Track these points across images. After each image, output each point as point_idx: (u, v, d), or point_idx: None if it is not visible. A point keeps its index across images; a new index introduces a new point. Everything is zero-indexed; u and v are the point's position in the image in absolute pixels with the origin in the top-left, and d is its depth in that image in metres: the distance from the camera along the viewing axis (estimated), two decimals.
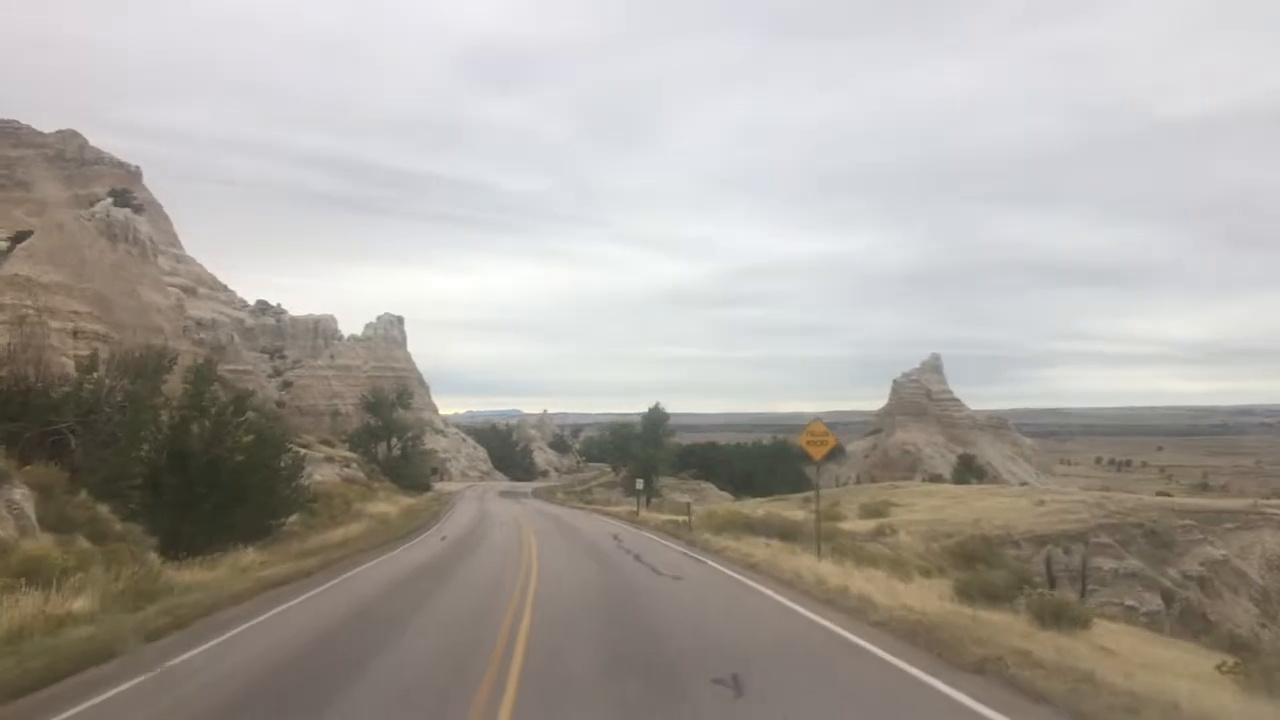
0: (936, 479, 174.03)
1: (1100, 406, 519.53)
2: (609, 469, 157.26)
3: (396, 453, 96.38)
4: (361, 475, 71.66)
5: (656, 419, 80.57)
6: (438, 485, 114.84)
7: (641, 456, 78.20)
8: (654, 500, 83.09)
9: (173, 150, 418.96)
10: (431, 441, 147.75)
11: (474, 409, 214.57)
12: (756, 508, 74.70)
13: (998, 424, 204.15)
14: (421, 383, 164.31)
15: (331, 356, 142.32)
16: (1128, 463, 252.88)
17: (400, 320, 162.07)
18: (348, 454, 79.27)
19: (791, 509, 75.94)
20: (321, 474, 58.15)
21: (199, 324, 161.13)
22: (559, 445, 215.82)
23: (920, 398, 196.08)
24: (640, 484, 49.40)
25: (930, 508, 62.60)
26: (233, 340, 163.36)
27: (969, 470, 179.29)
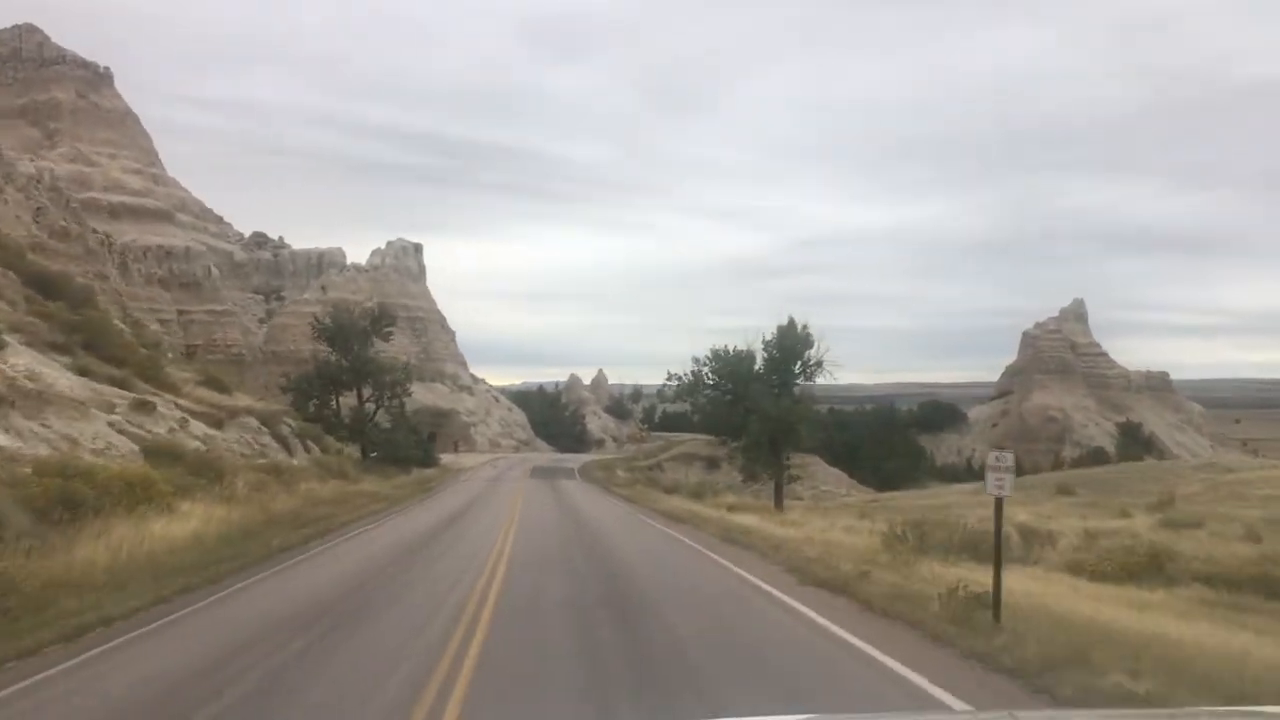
0: (1098, 453, 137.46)
1: (1170, 379, 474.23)
2: (699, 437, 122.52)
3: (371, 408, 62.37)
4: (236, 440, 37.59)
5: (794, 344, 45.46)
6: (449, 458, 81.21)
7: (773, 413, 43.19)
8: (779, 486, 48.30)
9: (233, 121, 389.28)
10: (452, 400, 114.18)
11: (528, 379, 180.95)
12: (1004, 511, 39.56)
13: (1159, 384, 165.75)
14: (444, 327, 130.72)
15: (323, 289, 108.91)
16: None
17: (417, 248, 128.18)
18: (256, 405, 45.31)
19: (1058, 512, 40.88)
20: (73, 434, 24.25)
21: (167, 253, 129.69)
22: (617, 410, 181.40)
23: (1063, 352, 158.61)
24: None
25: None
26: (210, 275, 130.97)
27: (1134, 441, 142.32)
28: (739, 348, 46.83)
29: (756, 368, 46.57)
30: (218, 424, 37.55)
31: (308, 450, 47.30)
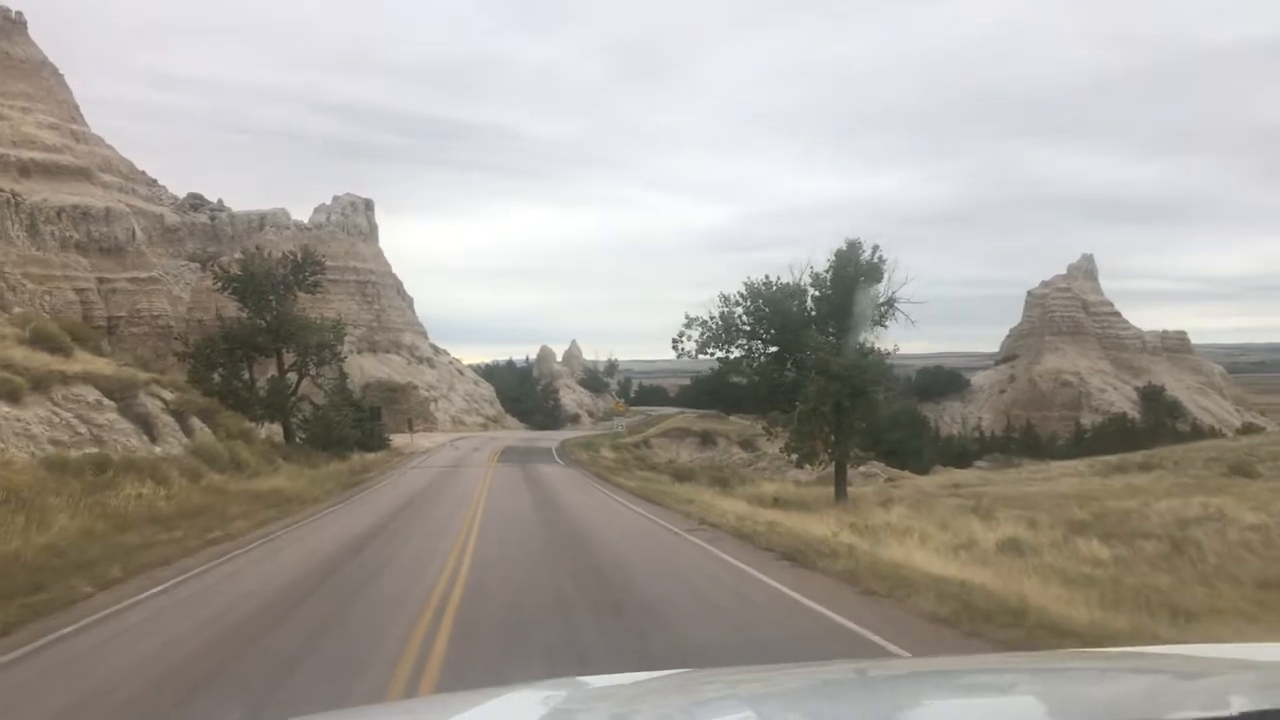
0: (1120, 420, 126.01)
1: (1189, 339, 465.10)
2: (686, 411, 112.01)
3: (294, 378, 49.10)
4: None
5: (856, 275, 32.65)
6: (402, 439, 68.05)
7: (837, 370, 30.59)
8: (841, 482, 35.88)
9: (194, 98, 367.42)
10: (409, 373, 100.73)
11: (498, 357, 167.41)
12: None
13: (1176, 345, 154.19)
14: (400, 293, 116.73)
15: (257, 248, 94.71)
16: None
17: (368, 204, 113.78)
18: (105, 371, 31.94)
19: None
20: None
21: (84, 214, 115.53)
22: (592, 384, 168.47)
23: (1074, 311, 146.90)
24: None
25: None
26: (134, 239, 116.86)
27: (1158, 406, 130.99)
28: (784, 280, 33.81)
29: (807, 309, 33.67)
30: (12, 397, 24.26)
31: (189, 434, 34.05)
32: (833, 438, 32.81)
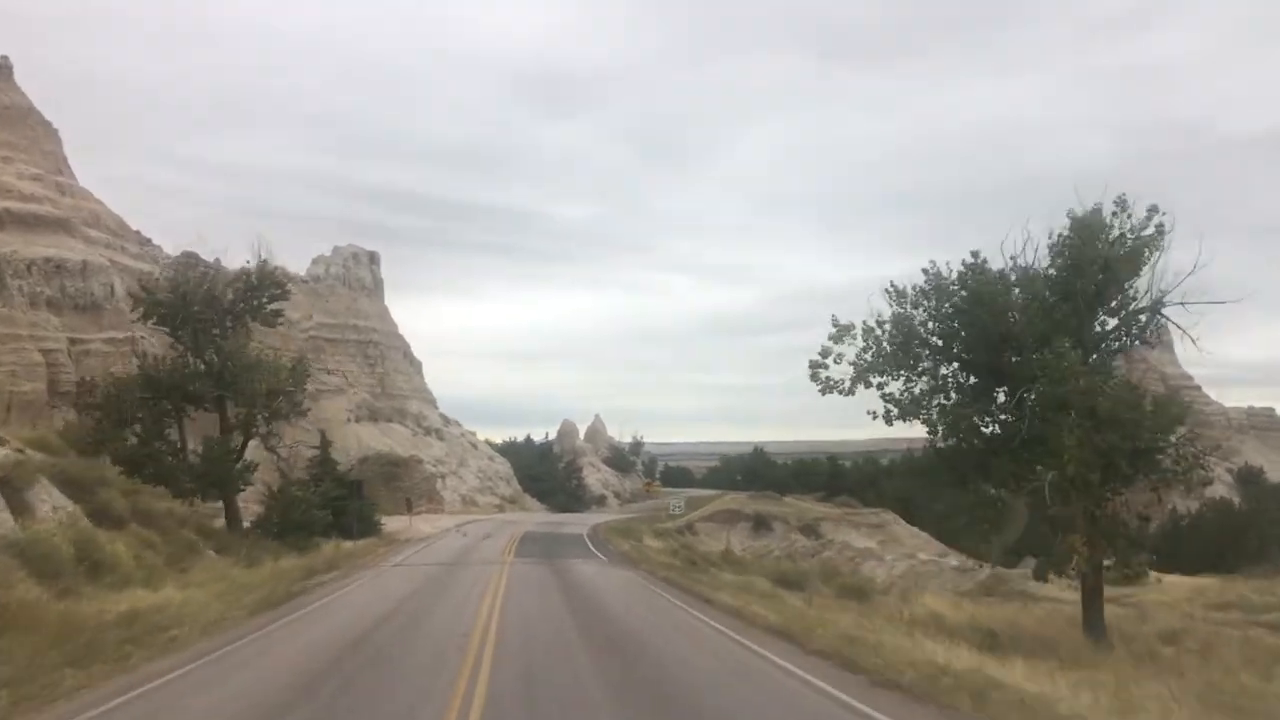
0: (1224, 506, 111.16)
1: (1278, 415, 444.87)
2: (726, 493, 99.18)
3: (237, 445, 36.08)
4: None
5: (1105, 260, 19.30)
6: (399, 524, 54.81)
7: (1110, 412, 17.08)
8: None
9: (228, 184, 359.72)
10: (414, 446, 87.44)
11: (516, 437, 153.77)
12: None
13: (1264, 422, 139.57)
14: (408, 357, 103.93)
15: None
16: None
17: (371, 256, 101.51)
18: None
19: None
20: None
21: (58, 268, 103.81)
22: (618, 463, 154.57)
23: (1153, 384, 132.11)
24: None
25: None
26: (113, 295, 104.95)
27: (1260, 490, 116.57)
28: (985, 262, 20.69)
29: (1030, 311, 20.43)
30: None
31: (19, 515, 20.93)
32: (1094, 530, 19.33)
